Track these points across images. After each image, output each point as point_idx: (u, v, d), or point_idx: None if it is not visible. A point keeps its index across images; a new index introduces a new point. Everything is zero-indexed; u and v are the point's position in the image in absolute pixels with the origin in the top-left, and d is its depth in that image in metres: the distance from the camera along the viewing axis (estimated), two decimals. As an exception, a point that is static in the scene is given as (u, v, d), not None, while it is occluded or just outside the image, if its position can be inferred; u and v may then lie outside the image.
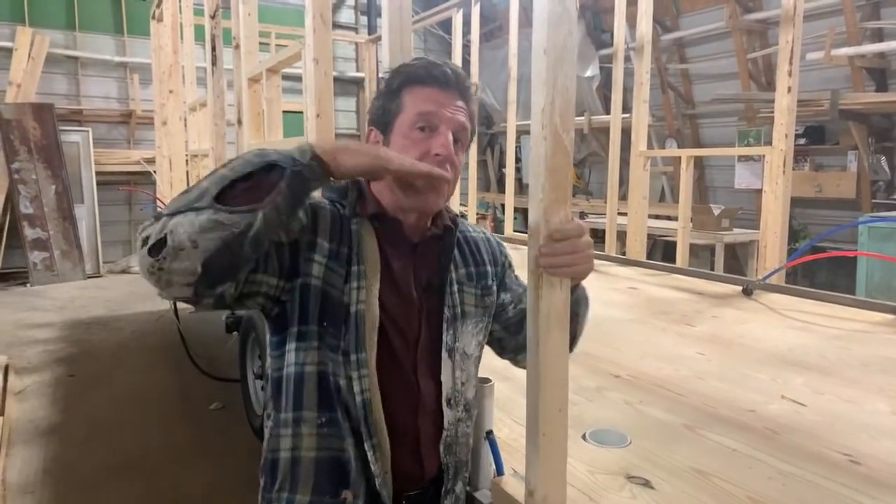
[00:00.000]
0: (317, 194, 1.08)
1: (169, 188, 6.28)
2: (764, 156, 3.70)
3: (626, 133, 4.35)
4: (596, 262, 1.03)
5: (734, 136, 7.31)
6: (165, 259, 0.84)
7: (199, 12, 4.91)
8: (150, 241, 0.85)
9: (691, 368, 2.07)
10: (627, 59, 4.97)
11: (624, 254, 4.46)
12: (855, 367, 2.09)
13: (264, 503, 1.09)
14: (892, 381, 1.94)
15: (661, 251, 7.65)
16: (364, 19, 10.42)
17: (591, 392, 1.84)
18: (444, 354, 1.11)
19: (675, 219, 4.74)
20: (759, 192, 4.42)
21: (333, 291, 1.02)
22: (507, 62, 5.45)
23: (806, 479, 1.33)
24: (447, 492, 1.14)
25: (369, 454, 1.03)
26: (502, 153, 10.20)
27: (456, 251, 1.16)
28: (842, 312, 2.78)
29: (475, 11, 5.31)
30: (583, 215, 7.97)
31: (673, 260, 4.15)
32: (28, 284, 7.67)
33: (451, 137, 1.05)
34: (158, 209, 0.92)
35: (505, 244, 1.33)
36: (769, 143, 3.67)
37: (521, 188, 8.57)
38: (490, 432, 1.28)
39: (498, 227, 9.15)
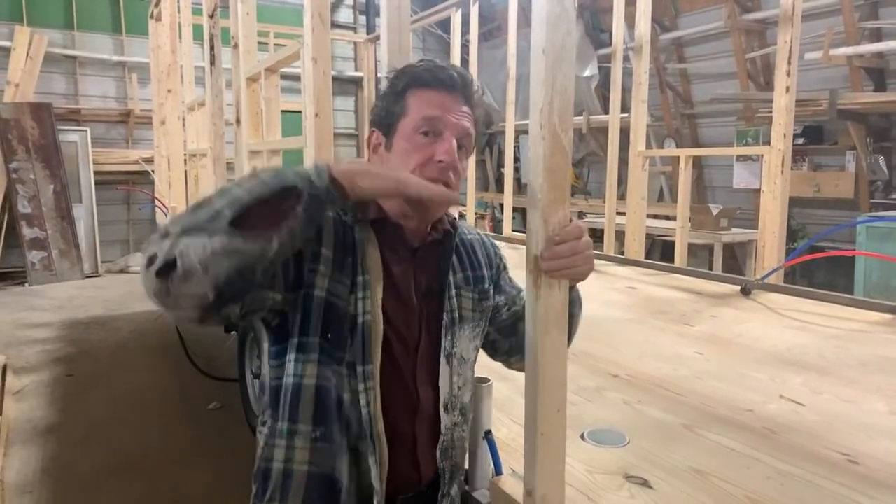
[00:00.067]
0: None
1: (167, 188, 6.28)
2: (762, 155, 3.71)
3: (625, 133, 4.36)
4: (595, 261, 1.03)
5: (733, 135, 7.32)
6: (174, 283, 0.80)
7: (197, 11, 4.91)
8: (158, 263, 0.80)
9: (690, 368, 2.07)
10: (626, 58, 4.98)
11: (622, 253, 4.46)
12: (853, 367, 2.09)
13: None
14: (890, 381, 1.94)
15: (660, 251, 7.66)
16: (363, 19, 10.42)
17: (590, 392, 1.84)
18: (443, 360, 1.11)
19: (674, 218, 4.74)
20: (758, 191, 4.43)
21: (338, 302, 1.01)
22: (505, 62, 5.45)
23: (804, 478, 1.34)
24: (443, 495, 1.13)
25: (373, 470, 1.02)
26: (501, 153, 10.20)
27: (454, 255, 1.15)
28: (840, 312, 2.78)
29: (474, 11, 5.30)
30: (581, 215, 7.98)
31: (671, 259, 4.16)
32: (26, 284, 7.66)
33: (455, 144, 1.03)
34: (163, 224, 0.88)
35: (502, 244, 1.32)
36: (767, 142, 3.67)
37: (520, 188, 8.57)
38: (488, 432, 1.28)
39: (496, 226, 9.15)
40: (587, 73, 8.55)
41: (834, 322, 2.64)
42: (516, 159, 8.11)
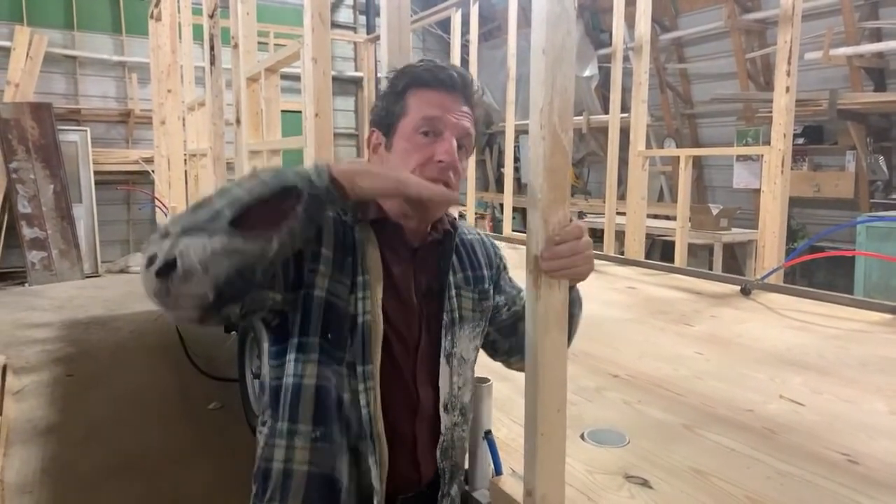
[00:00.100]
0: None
1: (167, 187, 6.28)
2: (762, 155, 3.71)
3: (625, 133, 4.36)
4: (595, 261, 1.03)
5: (733, 135, 7.32)
6: (174, 283, 0.80)
7: (197, 11, 4.91)
8: (158, 263, 0.80)
9: (690, 368, 2.07)
10: (626, 58, 4.98)
11: (622, 253, 4.46)
12: (853, 367, 2.09)
13: None
14: (890, 381, 1.94)
15: (660, 251, 7.66)
16: (363, 19, 10.42)
17: (590, 392, 1.84)
18: (443, 360, 1.11)
19: (674, 218, 4.74)
20: (758, 191, 4.43)
21: (338, 302, 1.01)
22: (505, 62, 5.45)
23: (804, 478, 1.34)
24: (443, 495, 1.13)
25: (373, 470, 1.02)
26: (501, 153, 10.20)
27: (454, 255, 1.15)
28: (840, 312, 2.78)
29: (474, 11, 5.30)
30: (581, 215, 7.99)
31: (671, 259, 4.16)
32: (26, 284, 7.66)
33: (455, 144, 1.03)
34: (163, 224, 0.88)
35: (502, 244, 1.32)
36: (767, 142, 3.67)
37: (520, 188, 8.56)
38: (488, 432, 1.28)
39: (496, 226, 9.15)
40: (587, 73, 8.55)
41: (834, 322, 2.64)
42: (516, 159, 8.11)
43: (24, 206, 7.67)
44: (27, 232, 7.67)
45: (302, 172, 0.88)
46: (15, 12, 8.08)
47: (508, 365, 1.32)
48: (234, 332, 3.65)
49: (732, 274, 4.29)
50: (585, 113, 8.51)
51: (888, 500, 1.26)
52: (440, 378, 1.11)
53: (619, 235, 4.68)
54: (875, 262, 4.99)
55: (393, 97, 1.06)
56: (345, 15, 10.53)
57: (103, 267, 8.56)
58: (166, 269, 0.80)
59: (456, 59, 5.48)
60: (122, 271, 8.60)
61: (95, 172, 8.43)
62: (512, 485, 1.24)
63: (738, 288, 3.21)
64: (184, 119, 5.67)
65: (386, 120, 1.07)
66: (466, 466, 1.28)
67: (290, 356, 1.02)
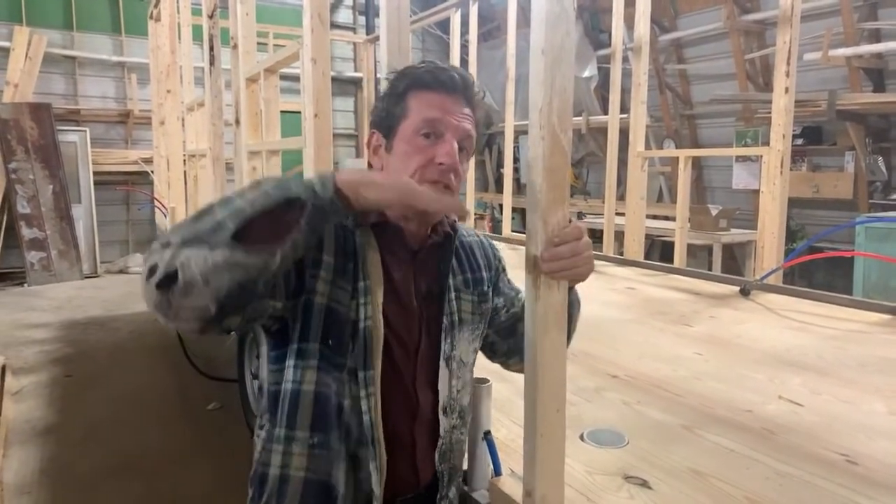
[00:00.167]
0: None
1: (166, 188, 6.28)
2: (761, 156, 3.71)
3: (624, 133, 4.36)
4: (594, 262, 1.02)
5: (732, 136, 7.33)
6: (175, 296, 0.80)
7: (196, 12, 4.91)
8: (158, 274, 0.79)
9: (689, 369, 2.07)
10: (625, 59, 4.98)
11: (622, 254, 4.46)
12: (852, 368, 2.09)
13: None
14: (888, 382, 1.94)
15: (659, 251, 7.66)
16: (362, 19, 10.42)
17: (589, 392, 1.84)
18: (442, 363, 1.10)
19: (673, 219, 4.75)
20: (757, 192, 4.43)
21: (339, 308, 1.00)
22: (505, 62, 5.45)
23: (803, 479, 1.34)
24: (441, 498, 1.13)
25: (373, 476, 1.02)
26: (500, 153, 10.20)
27: (453, 258, 1.15)
28: (839, 313, 2.78)
29: (473, 11, 5.30)
30: (581, 216, 7.99)
31: (671, 260, 4.16)
32: (25, 284, 7.65)
33: (456, 146, 1.02)
34: (164, 233, 0.87)
35: (501, 245, 1.32)
36: (767, 143, 3.67)
37: (519, 188, 8.57)
38: (488, 433, 1.28)
39: (496, 227, 9.16)
40: (586, 73, 8.56)
41: (833, 323, 2.64)
42: (516, 160, 8.11)
43: (23, 207, 7.67)
44: (26, 232, 7.66)
45: (306, 182, 0.87)
46: (14, 12, 8.07)
47: (506, 366, 1.32)
48: (233, 333, 3.64)
49: (731, 274, 4.29)
50: (585, 113, 8.51)
51: (887, 500, 1.26)
52: (439, 381, 1.10)
53: (619, 236, 4.68)
54: (874, 262, 4.99)
55: (393, 99, 1.06)
56: (344, 15, 10.53)
57: (102, 267, 8.56)
58: (167, 282, 0.79)
59: (455, 59, 5.48)
60: (121, 272, 8.59)
61: (95, 173, 8.43)
62: (511, 485, 1.24)
63: (738, 288, 3.22)
64: (183, 119, 5.67)
65: (386, 122, 1.06)
66: (465, 467, 1.28)
67: (290, 362, 1.01)
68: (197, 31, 4.88)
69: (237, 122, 3.34)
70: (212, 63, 3.92)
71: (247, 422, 3.45)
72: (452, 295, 1.13)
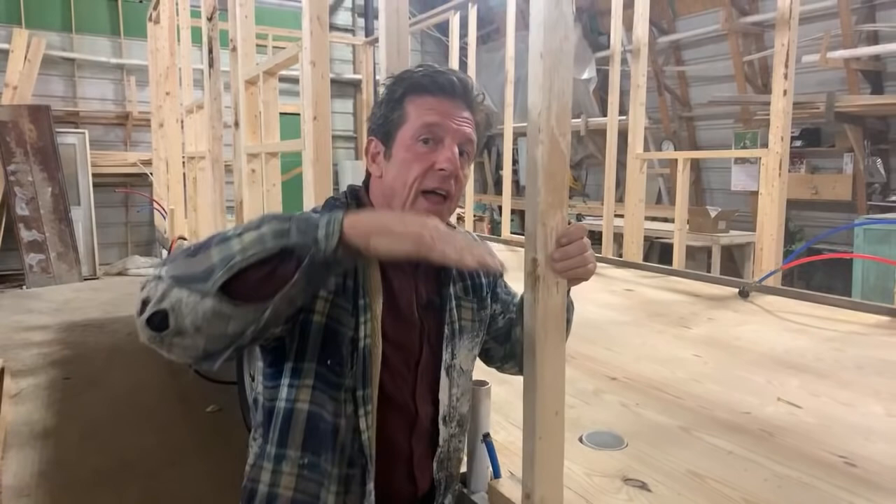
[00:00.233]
0: (315, 215, 1.02)
1: (165, 190, 6.27)
2: (760, 158, 3.71)
3: (623, 135, 4.36)
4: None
5: (730, 138, 7.34)
6: (166, 338, 0.80)
7: (195, 14, 4.91)
8: (148, 311, 0.79)
9: (688, 371, 2.07)
10: (624, 61, 4.99)
11: (621, 256, 4.47)
12: (850, 369, 2.09)
13: None
14: (887, 383, 1.95)
15: (658, 253, 7.66)
16: (361, 21, 10.43)
17: (588, 394, 1.85)
18: (443, 372, 1.09)
19: (672, 221, 4.75)
20: (756, 194, 4.44)
21: (339, 328, 0.98)
22: (504, 64, 5.46)
23: (801, 481, 1.34)
24: None
25: (366, 498, 1.01)
26: (499, 155, 10.21)
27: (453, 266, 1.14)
28: (837, 314, 2.78)
29: (472, 14, 5.31)
30: (580, 218, 8.00)
31: (669, 262, 4.16)
32: (24, 286, 7.65)
33: (456, 151, 1.00)
34: (160, 264, 0.85)
35: (500, 247, 1.32)
36: (765, 145, 3.68)
37: (518, 190, 8.58)
38: (487, 435, 1.28)
39: (495, 228, 9.15)
40: (585, 75, 8.57)
41: (831, 324, 2.64)
42: (515, 161, 8.13)
43: (21, 209, 7.66)
44: (25, 234, 7.66)
45: (309, 228, 0.80)
46: (13, 14, 8.08)
47: (502, 370, 1.32)
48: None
49: (730, 276, 4.29)
50: (583, 115, 8.52)
51: (885, 502, 1.26)
52: (440, 391, 1.09)
53: (618, 238, 4.68)
54: (872, 264, 5.00)
55: (391, 104, 1.03)
56: (343, 17, 10.54)
57: (101, 269, 8.55)
58: (156, 319, 0.79)
59: (454, 61, 5.49)
60: (119, 274, 8.58)
61: (93, 175, 8.43)
62: (510, 488, 1.24)
63: (736, 290, 3.22)
64: (182, 122, 5.67)
65: (384, 128, 1.04)
66: (464, 470, 1.28)
67: (285, 380, 1.00)
68: (196, 34, 4.88)
69: (236, 124, 3.34)
70: (211, 65, 3.92)
71: (246, 424, 3.45)
72: (453, 303, 1.12)
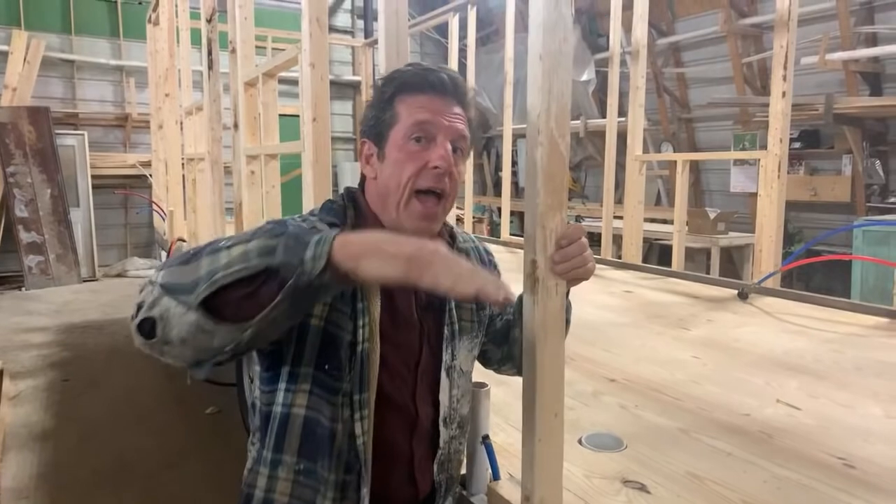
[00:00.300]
0: (313, 218, 1.01)
1: (165, 192, 6.27)
2: (759, 160, 3.72)
3: (622, 137, 4.36)
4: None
5: (729, 139, 7.35)
6: (157, 345, 0.81)
7: (195, 16, 4.91)
8: (139, 316, 0.80)
9: (687, 372, 2.07)
10: (623, 63, 5.00)
11: (620, 257, 4.47)
12: (849, 371, 2.10)
13: None
14: (885, 385, 1.95)
15: (657, 255, 7.66)
16: (360, 23, 10.44)
17: (587, 396, 1.85)
18: (443, 374, 1.09)
19: (671, 222, 4.75)
20: (755, 195, 4.45)
21: (338, 332, 0.97)
22: (503, 66, 5.46)
23: (800, 482, 1.34)
24: None
25: (366, 500, 1.00)
26: (499, 157, 10.21)
27: None
28: (836, 316, 2.79)
29: (471, 15, 5.31)
30: (579, 219, 8.00)
31: (669, 263, 4.16)
32: (23, 288, 7.64)
33: (449, 148, 0.99)
34: (157, 268, 0.86)
35: (499, 248, 1.32)
36: (764, 147, 3.68)
37: (518, 191, 8.58)
38: (486, 437, 1.28)
39: (494, 230, 9.16)
40: (584, 77, 8.57)
41: (830, 326, 2.64)
42: (514, 163, 8.13)
43: (21, 210, 7.66)
44: (24, 236, 7.65)
45: (298, 249, 0.76)
46: (12, 16, 8.08)
47: (499, 372, 1.32)
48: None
49: (729, 278, 4.30)
50: (582, 117, 8.52)
51: (884, 503, 1.26)
52: (440, 392, 1.09)
53: (617, 239, 4.69)
54: (871, 265, 5.01)
55: (382, 105, 1.03)
56: (343, 19, 10.55)
57: (100, 271, 8.55)
58: (146, 327, 0.80)
59: (454, 63, 5.49)
60: (119, 275, 8.58)
61: (93, 176, 8.43)
62: (509, 490, 1.24)
63: (736, 292, 3.22)
64: (181, 123, 5.67)
65: (376, 129, 1.03)
66: (464, 472, 1.28)
67: (281, 385, 1.00)
68: (195, 35, 4.88)
69: (235, 125, 3.34)
70: (210, 67, 3.92)
71: (245, 426, 3.45)
72: (453, 304, 1.12)
